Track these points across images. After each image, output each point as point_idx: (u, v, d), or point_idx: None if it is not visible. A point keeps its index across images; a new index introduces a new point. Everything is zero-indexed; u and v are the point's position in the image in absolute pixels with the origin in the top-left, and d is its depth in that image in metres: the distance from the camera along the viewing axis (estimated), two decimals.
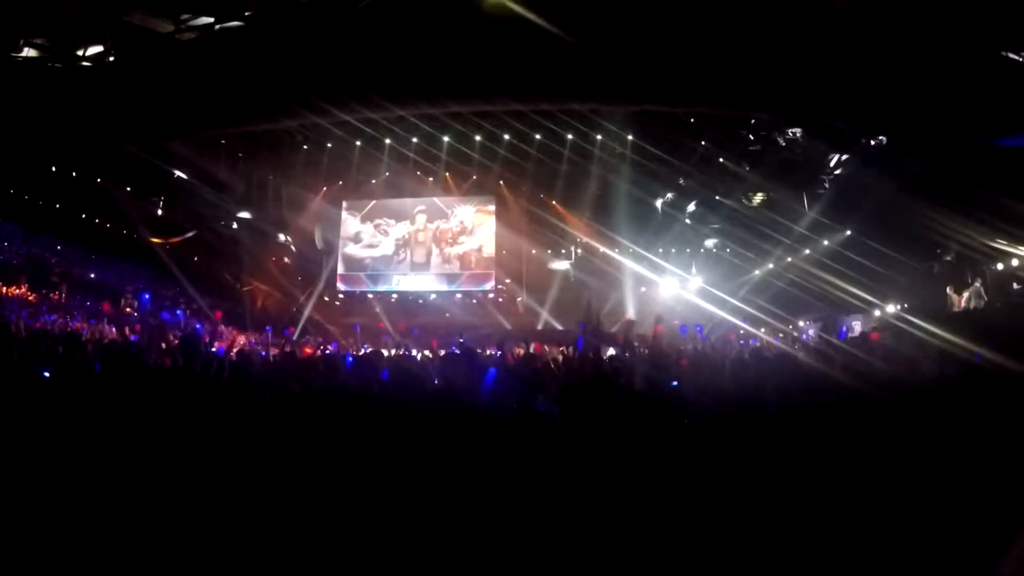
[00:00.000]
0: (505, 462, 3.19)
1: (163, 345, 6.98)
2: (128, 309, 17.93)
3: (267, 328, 15.65)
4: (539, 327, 18.96)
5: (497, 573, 2.83)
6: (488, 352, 11.20)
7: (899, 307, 14.32)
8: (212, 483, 3.14)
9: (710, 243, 18.97)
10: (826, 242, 16.04)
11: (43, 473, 3.24)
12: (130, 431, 3.42)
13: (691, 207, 17.90)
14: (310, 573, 2.92)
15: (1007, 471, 2.81)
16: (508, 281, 20.69)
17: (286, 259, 21.88)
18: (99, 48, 10.52)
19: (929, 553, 2.61)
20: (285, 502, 3.05)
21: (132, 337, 9.49)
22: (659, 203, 18.17)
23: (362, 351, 11.93)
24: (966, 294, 13.10)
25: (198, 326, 15.20)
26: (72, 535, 2.97)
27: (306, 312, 19.52)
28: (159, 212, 19.44)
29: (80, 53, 10.60)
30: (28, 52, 10.49)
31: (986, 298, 12.66)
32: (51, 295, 17.63)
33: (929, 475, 2.97)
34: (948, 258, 14.27)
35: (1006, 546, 1.71)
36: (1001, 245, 12.65)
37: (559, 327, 18.56)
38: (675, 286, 18.87)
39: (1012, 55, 8.49)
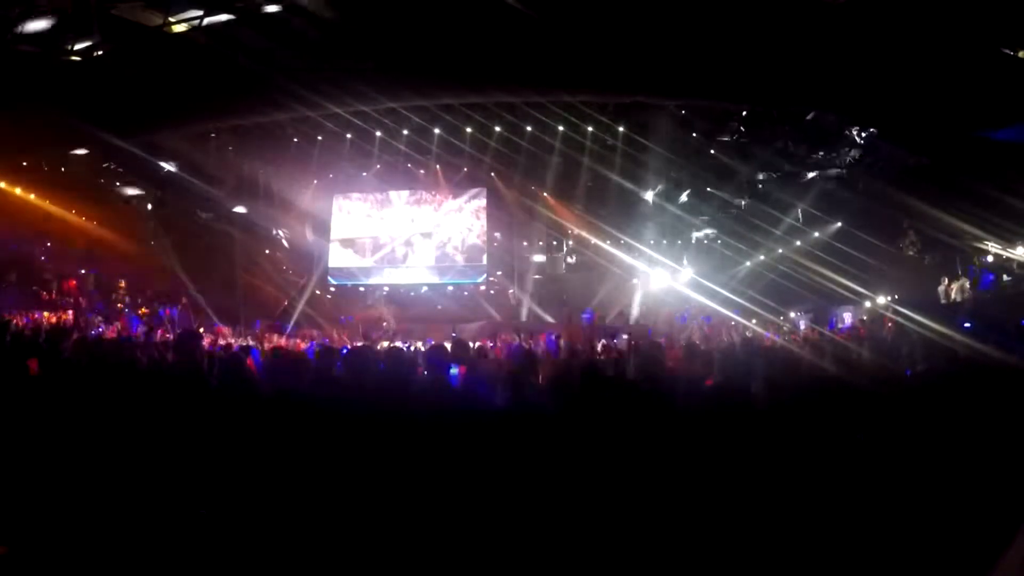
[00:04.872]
0: (497, 454, 3.19)
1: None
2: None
3: (255, 323, 15.66)
4: (531, 319, 18.99)
5: (492, 564, 2.84)
6: (478, 344, 11.23)
7: (890, 299, 14.41)
8: (202, 480, 3.14)
9: (699, 234, 19.03)
10: (816, 234, 16.13)
11: (31, 469, 3.22)
12: (120, 428, 3.40)
13: (682, 199, 17.93)
14: (306, 566, 2.92)
15: (1000, 464, 2.83)
16: (499, 273, 20.71)
17: (277, 252, 21.82)
18: (89, 42, 10.43)
19: (923, 547, 2.63)
20: (278, 498, 3.05)
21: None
22: (650, 195, 18.17)
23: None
24: (954, 286, 13.20)
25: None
26: (60, 530, 2.96)
27: (298, 305, 19.46)
28: (149, 206, 19.36)
29: (70, 47, 10.51)
30: (18, 46, 10.39)
31: (970, 292, 12.75)
32: (41, 292, 17.55)
33: (919, 467, 2.99)
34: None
35: (1002, 541, 1.72)
36: (991, 239, 12.75)
37: (551, 319, 18.61)
38: (666, 277, 18.92)
39: (1006, 50, 8.53)
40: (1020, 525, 1.70)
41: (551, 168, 18.11)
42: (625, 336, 10.63)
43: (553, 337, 10.95)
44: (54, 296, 17.66)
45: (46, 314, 14.99)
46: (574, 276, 20.63)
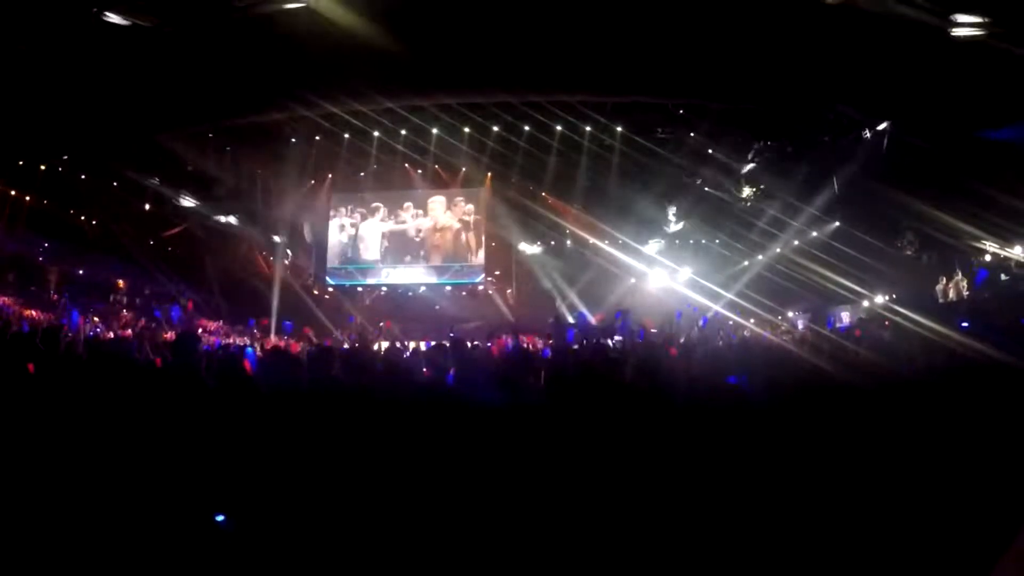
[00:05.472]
0: (494, 451, 3.19)
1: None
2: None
3: (250, 321, 15.61)
4: (529, 319, 18.94)
5: (491, 562, 2.83)
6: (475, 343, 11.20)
7: (888, 298, 14.41)
8: (200, 480, 3.12)
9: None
10: (815, 233, 16.12)
11: (27, 469, 3.21)
12: (116, 428, 3.39)
13: (680, 199, 17.93)
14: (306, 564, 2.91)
15: (999, 463, 2.82)
16: (497, 273, 20.68)
17: (274, 253, 21.77)
18: (85, 43, 10.40)
19: (923, 547, 2.62)
20: (278, 497, 3.04)
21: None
22: (649, 195, 18.15)
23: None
24: (952, 285, 13.19)
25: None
26: (55, 530, 2.95)
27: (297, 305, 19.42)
28: (146, 206, 19.34)
29: (68, 47, 10.48)
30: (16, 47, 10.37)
31: (965, 292, 12.74)
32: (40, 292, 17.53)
33: (919, 466, 2.98)
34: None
35: (1000, 536, 1.72)
36: (989, 239, 12.75)
37: (549, 318, 18.56)
38: (665, 277, 18.89)
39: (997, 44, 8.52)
40: (1020, 525, 1.69)
41: (549, 167, 18.07)
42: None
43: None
44: (55, 297, 17.63)
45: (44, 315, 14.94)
46: (573, 275, 20.56)
